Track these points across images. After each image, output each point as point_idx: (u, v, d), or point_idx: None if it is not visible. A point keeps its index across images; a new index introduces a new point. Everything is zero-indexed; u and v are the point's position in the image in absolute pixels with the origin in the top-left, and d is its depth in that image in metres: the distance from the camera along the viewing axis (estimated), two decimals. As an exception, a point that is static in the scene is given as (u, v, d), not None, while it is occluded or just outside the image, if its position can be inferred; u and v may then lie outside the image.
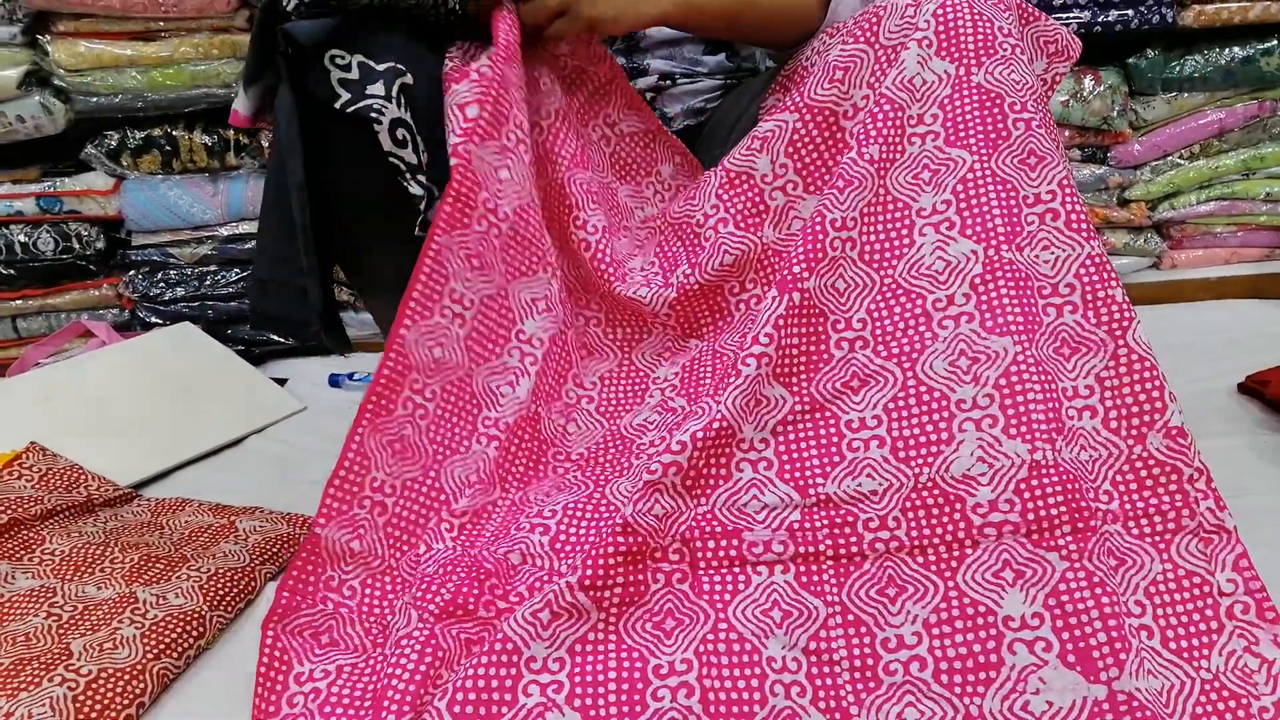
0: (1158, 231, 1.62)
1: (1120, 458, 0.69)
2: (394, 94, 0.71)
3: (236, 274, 1.63)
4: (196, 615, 0.87)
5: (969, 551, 0.64)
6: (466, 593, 0.69)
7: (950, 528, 0.65)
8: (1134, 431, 0.69)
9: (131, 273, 1.64)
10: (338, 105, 0.71)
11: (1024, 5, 0.79)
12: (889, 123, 0.76)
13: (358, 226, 0.80)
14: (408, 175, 0.73)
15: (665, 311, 0.85)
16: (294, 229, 0.76)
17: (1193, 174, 1.56)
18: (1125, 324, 0.70)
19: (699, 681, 0.64)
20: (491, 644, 0.65)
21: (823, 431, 0.72)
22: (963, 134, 0.73)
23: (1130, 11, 1.48)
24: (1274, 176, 1.58)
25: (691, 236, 0.86)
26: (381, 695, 0.62)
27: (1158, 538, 0.67)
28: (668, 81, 1.05)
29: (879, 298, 0.74)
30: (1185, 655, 0.63)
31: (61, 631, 0.86)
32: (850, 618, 0.66)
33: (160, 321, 1.63)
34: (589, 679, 0.64)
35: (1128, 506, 0.68)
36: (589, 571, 0.67)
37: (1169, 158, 1.57)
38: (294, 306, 0.79)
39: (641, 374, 0.87)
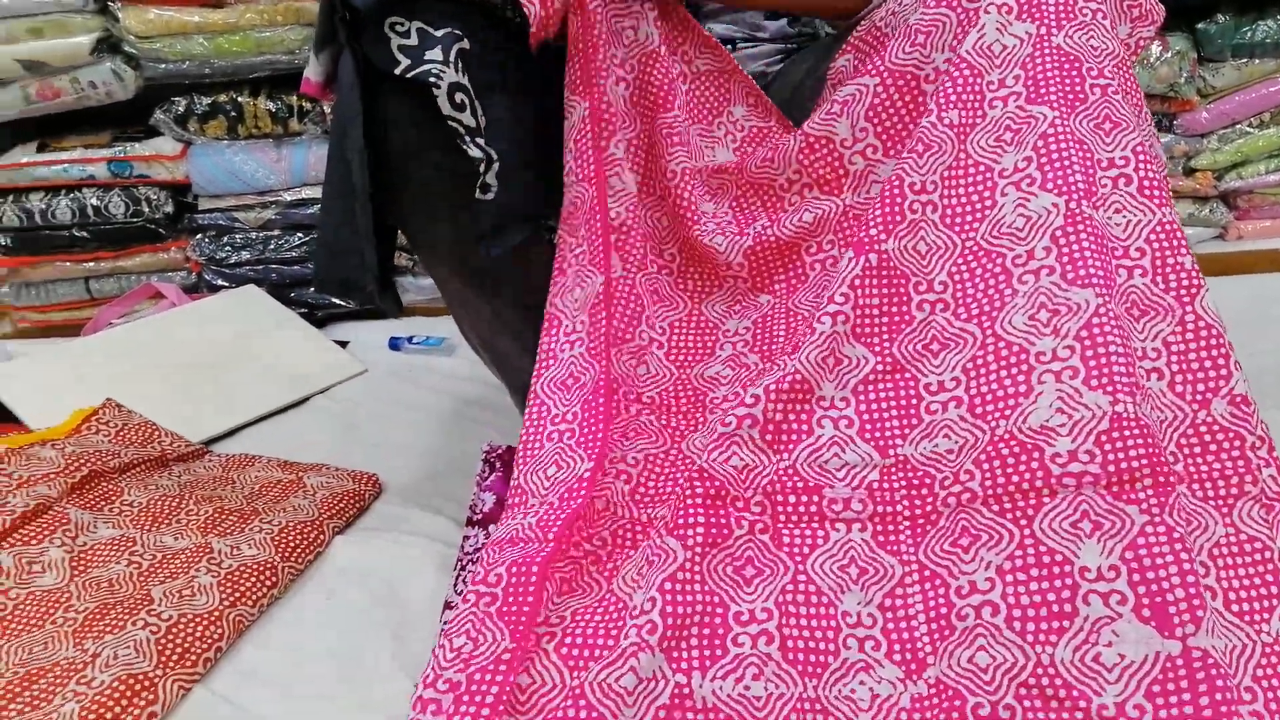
0: (1224, 201, 1.59)
1: (1185, 421, 0.69)
2: (452, 59, 0.72)
3: (299, 238, 1.66)
4: (269, 565, 0.90)
5: (1046, 500, 0.64)
6: (559, 530, 0.71)
7: (1029, 476, 0.65)
8: (1199, 397, 0.69)
9: (198, 236, 1.68)
10: (397, 71, 0.72)
11: None
12: (969, 88, 0.75)
13: (418, 191, 0.81)
14: (466, 139, 0.75)
15: (739, 261, 0.86)
16: (354, 194, 0.78)
17: (1261, 142, 1.52)
18: (1194, 291, 0.70)
19: (778, 630, 0.67)
20: (598, 595, 0.69)
21: (903, 393, 0.73)
22: (1044, 91, 0.72)
23: (1202, -26, 1.44)
24: (1348, 145, 1.53)
25: (772, 197, 0.88)
26: (513, 633, 0.66)
27: (1220, 501, 0.67)
28: (729, 46, 1.05)
29: (960, 260, 0.74)
30: (1246, 618, 0.63)
31: (142, 578, 0.90)
32: (926, 573, 0.67)
33: (226, 284, 1.67)
34: (676, 621, 0.66)
35: (1192, 469, 0.68)
36: (672, 515, 0.70)
37: (1238, 126, 1.53)
38: (354, 269, 0.81)
39: (711, 325, 0.89)
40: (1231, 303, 1.38)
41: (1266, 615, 0.63)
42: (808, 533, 0.71)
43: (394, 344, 1.51)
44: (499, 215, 0.80)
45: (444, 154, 0.76)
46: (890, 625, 0.67)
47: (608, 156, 0.83)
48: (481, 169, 0.76)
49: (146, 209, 1.65)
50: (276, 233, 1.66)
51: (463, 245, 0.83)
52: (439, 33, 0.72)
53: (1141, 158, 0.71)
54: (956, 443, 0.69)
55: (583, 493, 0.72)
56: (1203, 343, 0.70)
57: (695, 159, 0.87)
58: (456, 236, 0.83)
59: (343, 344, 1.52)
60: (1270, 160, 1.54)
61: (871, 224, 0.76)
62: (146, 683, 0.76)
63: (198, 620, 0.83)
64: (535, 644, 0.68)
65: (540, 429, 0.78)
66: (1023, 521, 0.64)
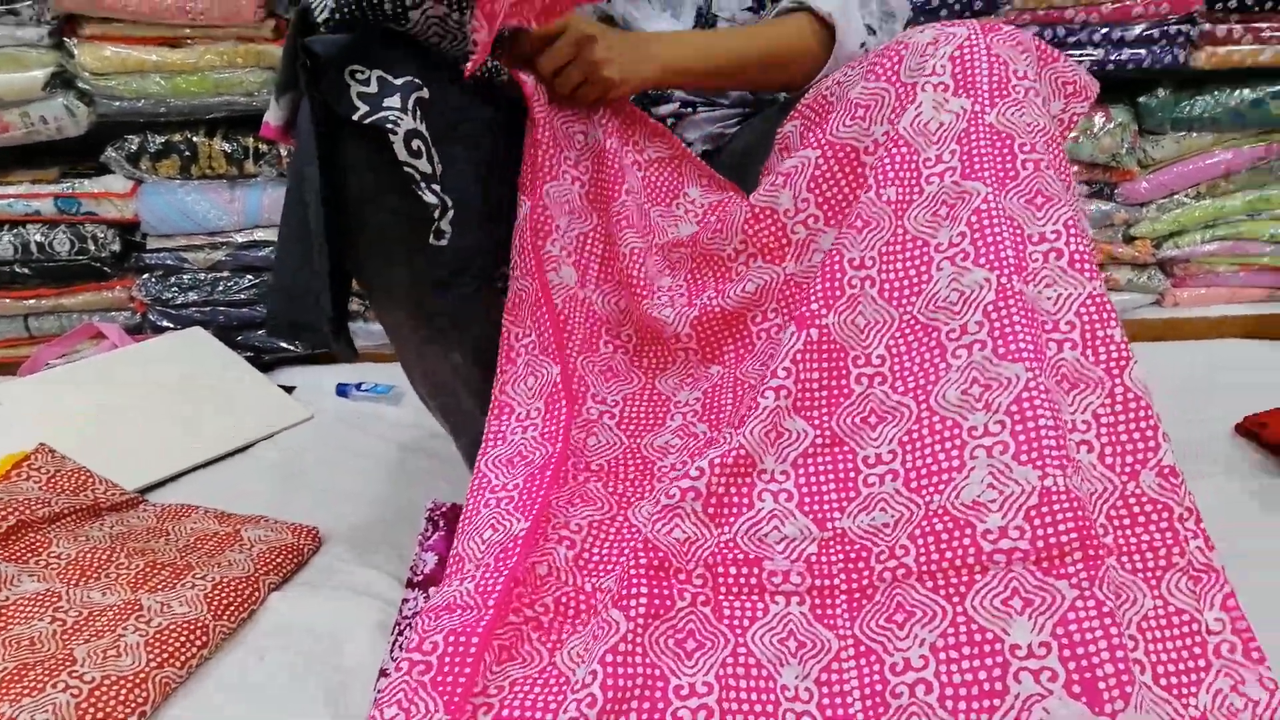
0: (1161, 269, 1.63)
1: (1115, 493, 0.69)
2: (410, 106, 0.73)
3: (249, 280, 1.64)
4: (200, 624, 0.88)
5: (978, 577, 0.64)
6: (499, 596, 0.71)
7: (960, 553, 0.65)
8: (1128, 468, 0.70)
9: (145, 276, 1.66)
10: (355, 117, 0.72)
11: (1042, 46, 0.80)
12: (906, 165, 0.77)
13: (374, 235, 0.82)
14: (422, 184, 0.75)
15: (687, 332, 0.88)
16: (311, 237, 0.78)
17: (1198, 213, 1.58)
18: (1123, 363, 0.71)
19: (718, 704, 0.66)
20: (538, 666, 0.69)
21: (841, 465, 0.74)
22: (977, 167, 0.74)
23: (1143, 51, 1.49)
24: (1279, 218, 1.59)
25: (721, 267, 0.89)
26: (447, 705, 0.65)
27: (1149, 574, 0.68)
28: (689, 109, 1.07)
29: (897, 334, 0.75)
30: (1175, 692, 0.63)
31: (66, 637, 0.87)
32: (862, 648, 0.67)
33: (171, 325, 1.65)
34: (617, 694, 0.65)
35: (1121, 541, 0.68)
36: (617, 585, 0.70)
37: (1175, 196, 1.59)
38: (308, 313, 0.81)
39: (663, 398, 0.90)
40: (1167, 369, 1.42)
41: (1194, 689, 0.63)
42: (748, 605, 0.71)
43: (342, 390, 1.49)
44: (454, 261, 0.81)
45: (400, 199, 0.77)
46: (826, 701, 0.67)
47: (545, 254, 0.86)
48: (436, 215, 0.77)
49: (93, 246, 1.63)
50: (226, 274, 1.64)
51: (418, 290, 0.84)
52: (398, 81, 0.73)
53: (1072, 231, 0.73)
54: (893, 516, 0.70)
55: (518, 552, 0.72)
56: (1131, 415, 0.71)
57: (657, 236, 0.90)
58: (412, 281, 0.84)
59: (289, 389, 1.51)
60: (1205, 230, 1.59)
61: (813, 298, 0.77)
62: (64, 749, 0.73)
63: (122, 683, 0.80)
64: (471, 716, 0.67)
65: (479, 499, 0.78)
66: (955, 599, 0.64)
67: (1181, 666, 0.64)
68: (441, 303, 0.82)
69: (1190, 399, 1.30)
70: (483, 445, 0.82)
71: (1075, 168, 1.56)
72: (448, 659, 0.67)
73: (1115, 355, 0.71)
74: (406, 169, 0.74)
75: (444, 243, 0.78)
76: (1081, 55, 1.50)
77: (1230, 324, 1.58)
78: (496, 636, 0.70)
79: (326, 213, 0.77)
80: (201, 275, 1.64)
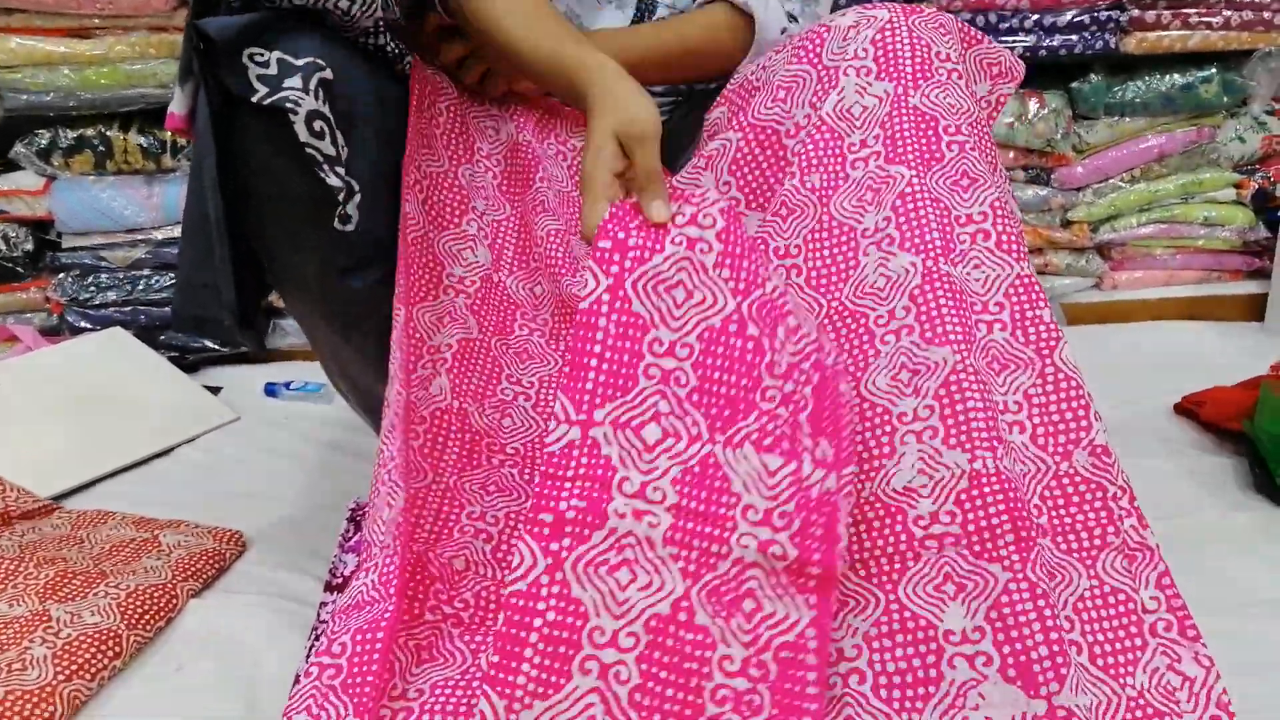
0: (1099, 253, 1.65)
1: (1048, 474, 0.69)
2: (312, 87, 0.70)
3: (171, 279, 1.58)
4: (113, 634, 0.84)
5: (910, 564, 0.63)
6: (411, 597, 0.68)
7: (892, 540, 0.64)
8: (1060, 448, 0.69)
9: (61, 275, 1.59)
10: (254, 99, 0.69)
11: (966, 28, 0.79)
12: (830, 151, 0.76)
13: (279, 221, 0.79)
14: (325, 167, 0.72)
15: None
16: (211, 227, 0.75)
17: (1133, 197, 1.59)
18: (1053, 344, 0.71)
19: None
20: (460, 667, 0.66)
21: None
22: (901, 151, 0.73)
23: (1074, 37, 1.50)
24: (1212, 201, 1.61)
25: None
26: (357, 707, 0.61)
27: (1084, 553, 0.67)
28: None
29: (826, 322, 0.73)
30: (1111, 672, 0.63)
31: (-34, 651, 0.82)
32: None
33: (90, 326, 1.58)
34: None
35: (1055, 522, 0.68)
36: None
37: (1110, 180, 1.60)
38: (210, 306, 0.78)
39: None
40: (1104, 351, 1.44)
41: (1130, 669, 0.63)
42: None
43: (270, 390, 1.44)
44: (362, 248, 0.78)
45: (303, 183, 0.74)
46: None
47: (461, 232, 0.84)
48: (342, 199, 0.74)
49: (4, 246, 1.56)
50: (146, 273, 1.58)
51: (325, 279, 0.81)
52: (300, 62, 0.70)
53: (999, 213, 0.72)
54: None
55: (404, 531, 0.68)
56: (1063, 394, 0.70)
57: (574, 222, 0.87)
58: (319, 270, 0.80)
59: (215, 390, 1.45)
60: (1141, 214, 1.61)
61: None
62: (-41, 772, 0.69)
63: (27, 697, 0.75)
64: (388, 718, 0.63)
65: (376, 476, 0.74)
66: (888, 586, 0.63)
67: (1118, 646, 0.64)
68: (351, 291, 0.79)
69: (1129, 380, 1.31)
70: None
71: (1011, 154, 1.56)
72: (356, 659, 0.63)
73: (1045, 335, 0.71)
74: (309, 150, 0.71)
75: (350, 228, 0.75)
76: (1013, 41, 1.50)
77: (1168, 306, 1.60)
78: (413, 635, 0.66)
79: (225, 201, 0.74)
80: (121, 274, 1.58)
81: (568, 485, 0.62)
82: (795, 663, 0.62)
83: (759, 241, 0.74)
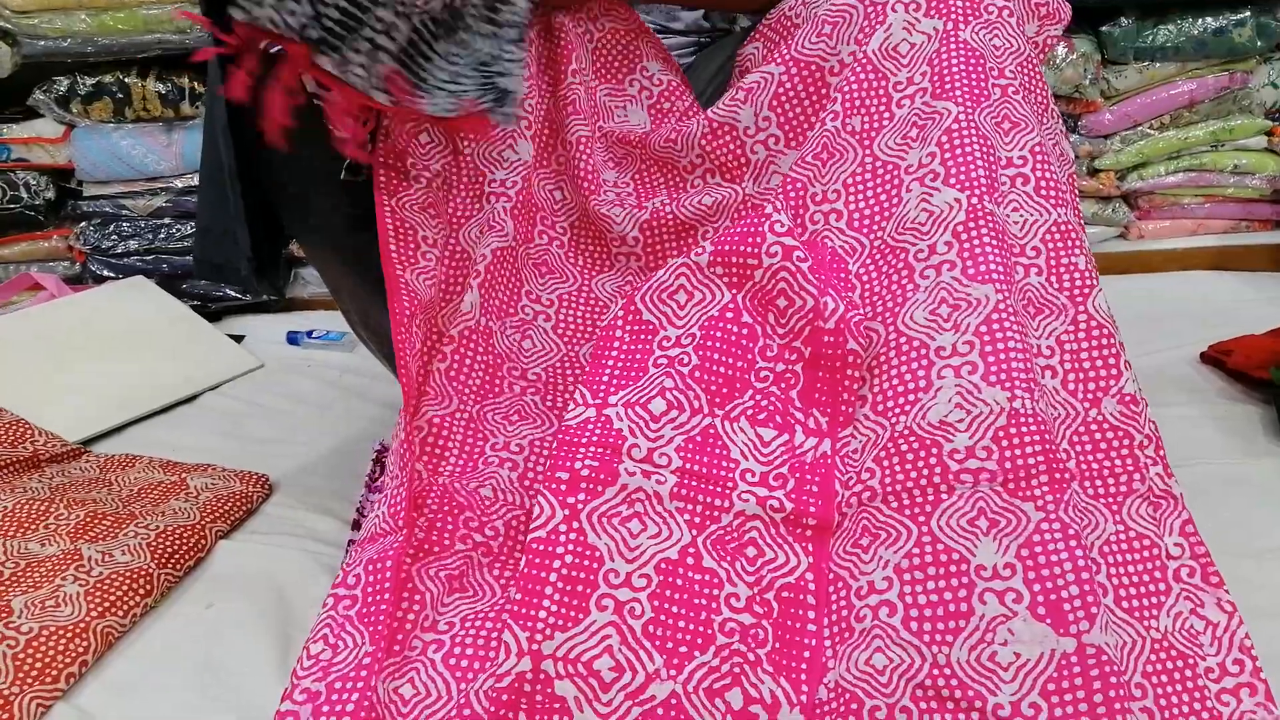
0: (1125, 202, 1.62)
1: (1078, 419, 0.69)
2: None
3: (192, 227, 1.58)
4: (144, 573, 0.85)
5: (944, 497, 0.62)
6: (441, 528, 0.69)
7: (926, 473, 0.63)
8: (1090, 395, 0.70)
9: (83, 224, 1.59)
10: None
11: None
12: (874, 92, 0.75)
13: (292, 170, 0.78)
14: None
15: (635, 235, 0.84)
16: (224, 173, 0.74)
17: (1162, 145, 1.56)
18: (1087, 291, 0.70)
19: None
20: (490, 600, 0.66)
21: None
22: (949, 87, 0.72)
23: (1105, -22, 1.47)
24: (1242, 149, 1.58)
25: (673, 174, 0.86)
26: (373, 635, 0.62)
27: (1110, 499, 0.67)
28: None
29: (868, 260, 0.73)
30: (1136, 614, 0.63)
31: (2, 589, 0.83)
32: (831, 577, 0.66)
33: (113, 275, 1.59)
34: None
35: (1083, 467, 0.68)
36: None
37: (1139, 128, 1.57)
38: (227, 252, 0.78)
39: (601, 304, 0.86)
40: (1130, 300, 1.42)
41: (1155, 612, 0.63)
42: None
43: (292, 339, 1.45)
44: (372, 196, 0.77)
45: (315, 132, 0.73)
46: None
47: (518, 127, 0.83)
48: None
49: (25, 195, 1.56)
50: (167, 221, 1.58)
51: (341, 226, 0.80)
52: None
53: (1039, 158, 0.71)
54: (860, 441, 0.68)
55: (406, 460, 0.69)
56: (1094, 342, 0.70)
57: (603, 121, 0.86)
58: (334, 218, 0.80)
59: (238, 339, 1.46)
60: (1169, 162, 1.58)
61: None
62: (1, 701, 0.70)
63: (60, 633, 0.77)
64: (421, 653, 0.64)
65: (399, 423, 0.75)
66: (920, 518, 0.63)
67: (1142, 590, 0.64)
68: (368, 238, 0.79)
69: (1156, 329, 1.29)
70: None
71: (1039, 99, 1.53)
72: (370, 590, 0.64)
73: (1079, 283, 0.71)
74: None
75: (362, 178, 0.75)
76: (1045, -18, 1.47)
77: (1195, 256, 1.57)
78: (444, 566, 0.67)
79: (239, 148, 0.73)
80: (142, 223, 1.58)
81: (582, 449, 0.66)
82: (796, 602, 0.65)
83: (751, 226, 0.73)
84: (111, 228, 1.58)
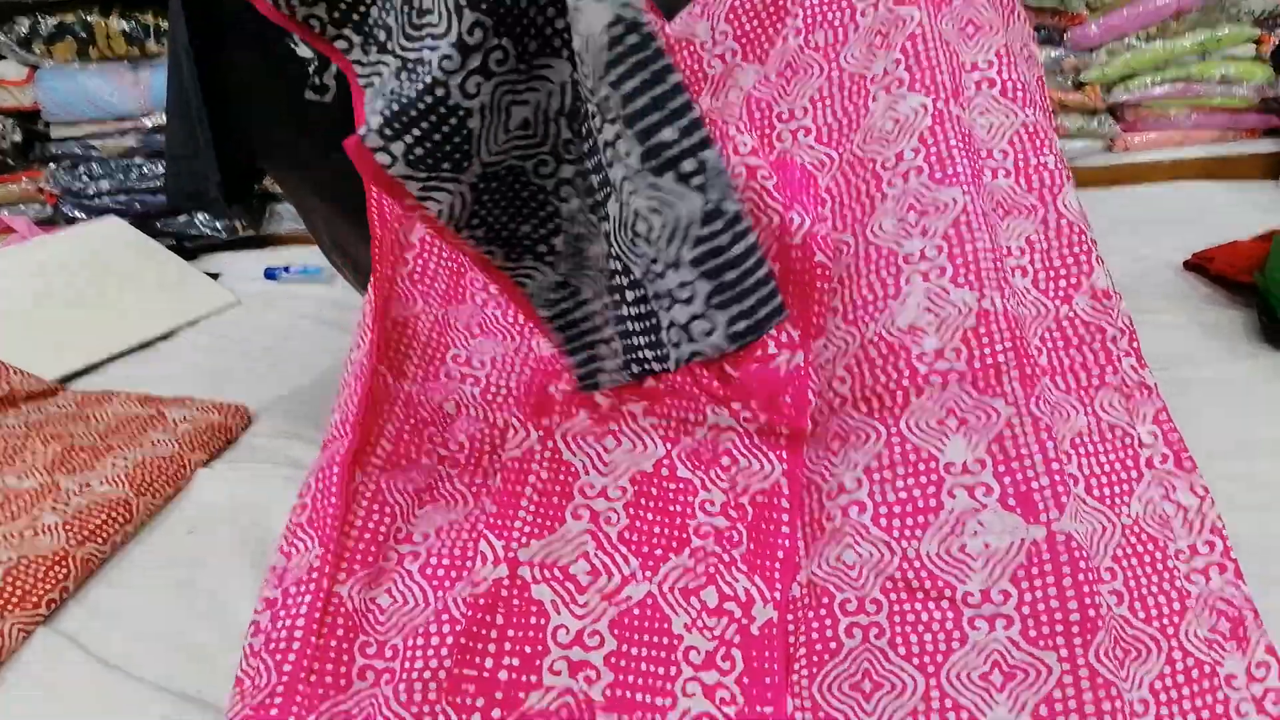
0: (1112, 114, 1.60)
1: (1049, 316, 0.69)
2: None
3: (163, 166, 1.55)
4: (123, 501, 0.85)
5: (913, 399, 0.63)
6: (408, 440, 0.68)
7: (895, 376, 0.64)
8: (1061, 292, 0.70)
9: (52, 166, 1.57)
10: None
11: None
12: (836, 5, 0.73)
13: (256, 95, 0.76)
14: (294, 38, 0.70)
15: None
16: (190, 101, 0.73)
17: (1149, 56, 1.53)
18: (1056, 189, 0.70)
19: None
20: (465, 510, 0.67)
21: None
22: None
23: (1089, -118, 1.43)
24: (1230, 58, 1.55)
25: None
26: (340, 553, 0.62)
27: (1082, 392, 0.67)
28: None
29: (838, 174, 0.72)
30: (1107, 502, 0.63)
31: (-21, 521, 0.83)
32: (803, 481, 0.66)
33: (85, 217, 1.57)
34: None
35: (1054, 362, 0.68)
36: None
37: (1125, 39, 1.54)
38: (197, 180, 0.77)
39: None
40: (1115, 211, 1.40)
41: (1126, 499, 0.63)
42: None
43: (270, 274, 1.43)
44: (343, 117, 0.75)
45: (278, 54, 0.71)
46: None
47: None
48: (314, 69, 0.71)
49: (-9, 137, 1.53)
50: (138, 161, 1.56)
51: (309, 151, 0.78)
52: None
53: (1004, 60, 0.71)
54: (832, 351, 0.68)
55: (366, 363, 0.68)
56: (1066, 240, 0.70)
57: None
58: (302, 142, 0.78)
59: (214, 276, 1.44)
60: (1156, 73, 1.55)
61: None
62: (-21, 627, 0.70)
63: (40, 561, 0.77)
64: (397, 564, 0.64)
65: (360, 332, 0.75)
66: (889, 421, 0.63)
67: (1114, 478, 0.64)
68: (337, 163, 0.77)
69: (1138, 239, 1.28)
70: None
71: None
72: (318, 496, 0.64)
73: (1049, 182, 0.70)
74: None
75: (328, 98, 0.74)
76: (1028, -112, 1.43)
77: (1182, 167, 1.55)
78: (410, 479, 0.67)
79: (205, 75, 0.72)
80: (112, 163, 1.56)
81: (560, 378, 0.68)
82: (770, 506, 0.65)
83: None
84: (81, 169, 1.56)
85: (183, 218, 1.51)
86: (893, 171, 0.69)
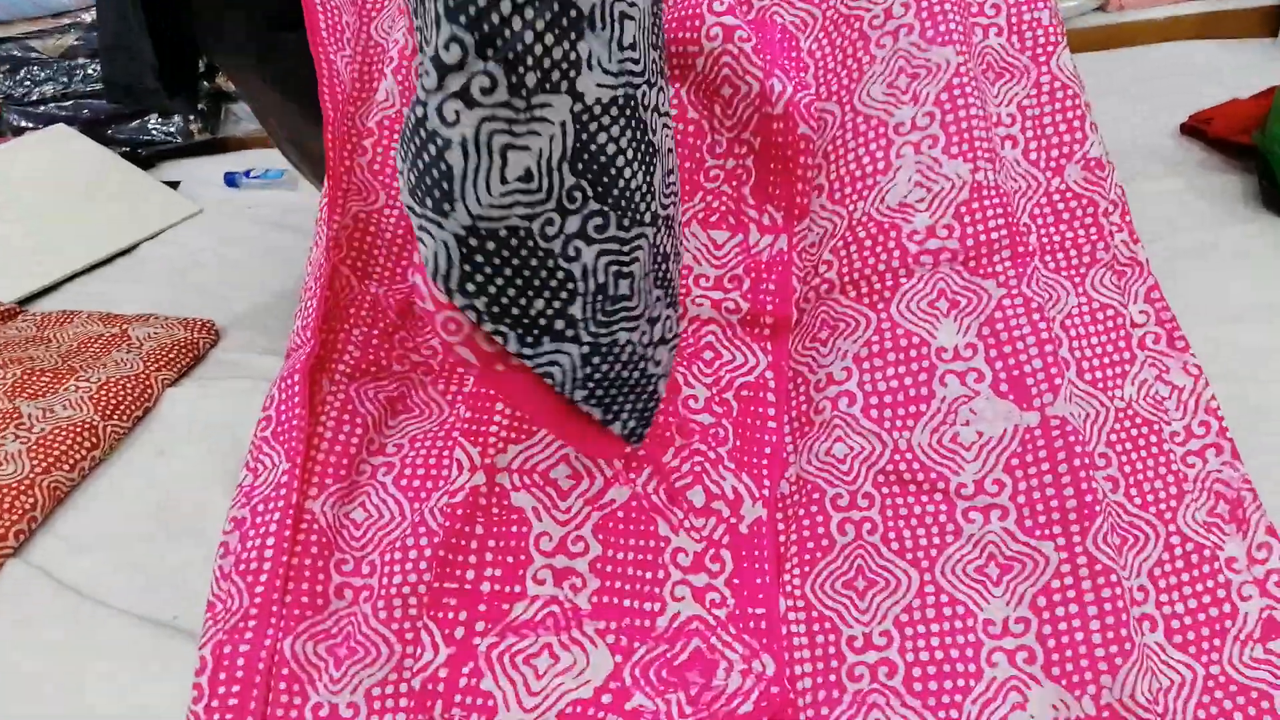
0: (1105, -28, 1.52)
1: (1039, 190, 0.66)
2: None
3: (110, 68, 1.48)
4: (88, 426, 0.82)
5: (903, 281, 0.60)
6: (377, 347, 0.65)
7: (885, 257, 0.61)
8: (1053, 163, 0.66)
9: (-8, 72, 1.49)
10: None
11: None
12: None
13: None
14: None
15: None
16: None
17: (1144, -96, 1.45)
18: (1050, 49, 0.66)
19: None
20: (439, 418, 0.64)
21: None
22: None
23: None
24: (1229, -96, 1.46)
25: None
26: (309, 467, 0.60)
27: (1073, 271, 0.65)
28: None
29: (820, 35, 0.68)
30: (1100, 385, 0.61)
31: (-60, 452, 0.80)
32: (790, 374, 0.64)
33: (31, 126, 1.49)
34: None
35: (1044, 240, 0.65)
36: None
37: (1120, -113, 1.45)
38: (134, 71, 0.71)
39: None
40: (1112, 76, 1.34)
41: (1119, 381, 0.61)
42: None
43: (230, 180, 1.37)
44: None
45: None
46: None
47: None
48: None
49: (-78, 44, 1.45)
50: (82, 61, 1.47)
51: (254, 32, 0.73)
52: None
53: None
54: (817, 233, 0.64)
55: (324, 262, 0.65)
56: (1058, 104, 0.66)
57: None
58: (247, 24, 0.72)
59: (173, 184, 1.38)
60: (1151, -77, 1.47)
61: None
62: (-54, 562, 0.68)
63: (5, 491, 0.74)
64: (371, 476, 0.62)
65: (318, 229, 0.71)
66: (879, 306, 0.60)
67: (1106, 360, 0.62)
68: (285, 42, 0.71)
69: (1133, 103, 1.22)
70: None
71: None
72: (282, 407, 0.62)
73: (1043, 40, 0.66)
74: None
75: None
76: None
77: (1177, 26, 1.49)
78: (382, 388, 0.64)
79: None
80: (54, 65, 1.47)
81: None
82: (755, 400, 0.63)
83: (689, 8, 0.66)
84: (23, 72, 1.48)
85: (134, 123, 1.44)
86: (881, 30, 0.64)
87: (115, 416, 0.84)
